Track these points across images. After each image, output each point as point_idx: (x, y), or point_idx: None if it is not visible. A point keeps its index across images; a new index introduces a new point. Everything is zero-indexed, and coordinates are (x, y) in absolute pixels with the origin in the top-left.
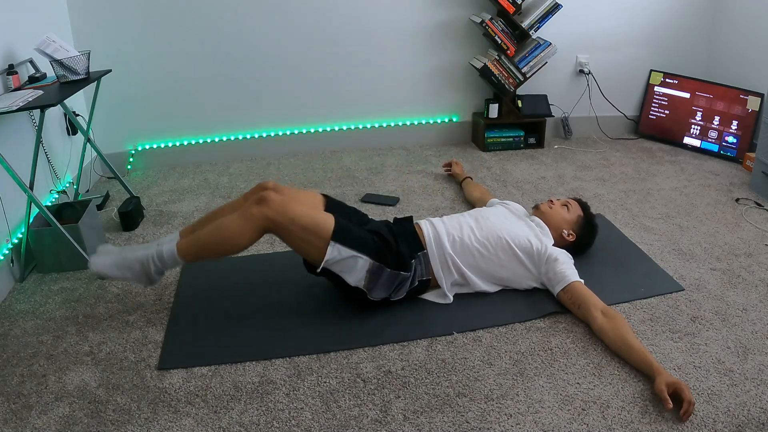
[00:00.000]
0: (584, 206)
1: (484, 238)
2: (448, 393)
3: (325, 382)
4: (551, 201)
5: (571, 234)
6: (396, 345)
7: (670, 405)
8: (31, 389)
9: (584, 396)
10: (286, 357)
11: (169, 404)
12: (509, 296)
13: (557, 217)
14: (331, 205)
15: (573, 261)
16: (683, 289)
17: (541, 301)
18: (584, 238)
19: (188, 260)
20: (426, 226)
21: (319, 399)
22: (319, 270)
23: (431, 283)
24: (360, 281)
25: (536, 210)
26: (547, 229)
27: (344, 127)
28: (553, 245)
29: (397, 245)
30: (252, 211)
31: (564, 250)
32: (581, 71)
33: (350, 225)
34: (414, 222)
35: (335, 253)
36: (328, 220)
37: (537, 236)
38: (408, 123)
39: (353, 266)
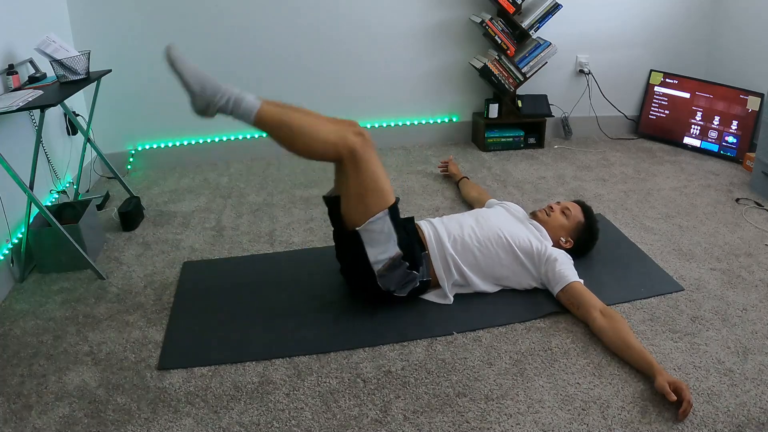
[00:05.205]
0: (586, 211)
1: (484, 238)
2: (448, 393)
3: (325, 382)
4: (550, 207)
5: (569, 241)
6: (396, 345)
7: (674, 396)
8: (31, 389)
9: (584, 396)
10: (286, 357)
11: (169, 404)
12: (509, 296)
13: (554, 225)
14: None
15: (573, 262)
16: (683, 289)
17: (541, 301)
18: (582, 244)
19: (258, 124)
20: (426, 227)
21: (319, 399)
22: (358, 228)
23: (431, 284)
24: (379, 262)
25: (533, 216)
26: (546, 232)
27: None
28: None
29: (413, 245)
30: (348, 135)
31: (564, 251)
32: (581, 71)
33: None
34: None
35: (381, 223)
36: (392, 193)
37: (537, 238)
38: (408, 123)
39: (384, 245)
